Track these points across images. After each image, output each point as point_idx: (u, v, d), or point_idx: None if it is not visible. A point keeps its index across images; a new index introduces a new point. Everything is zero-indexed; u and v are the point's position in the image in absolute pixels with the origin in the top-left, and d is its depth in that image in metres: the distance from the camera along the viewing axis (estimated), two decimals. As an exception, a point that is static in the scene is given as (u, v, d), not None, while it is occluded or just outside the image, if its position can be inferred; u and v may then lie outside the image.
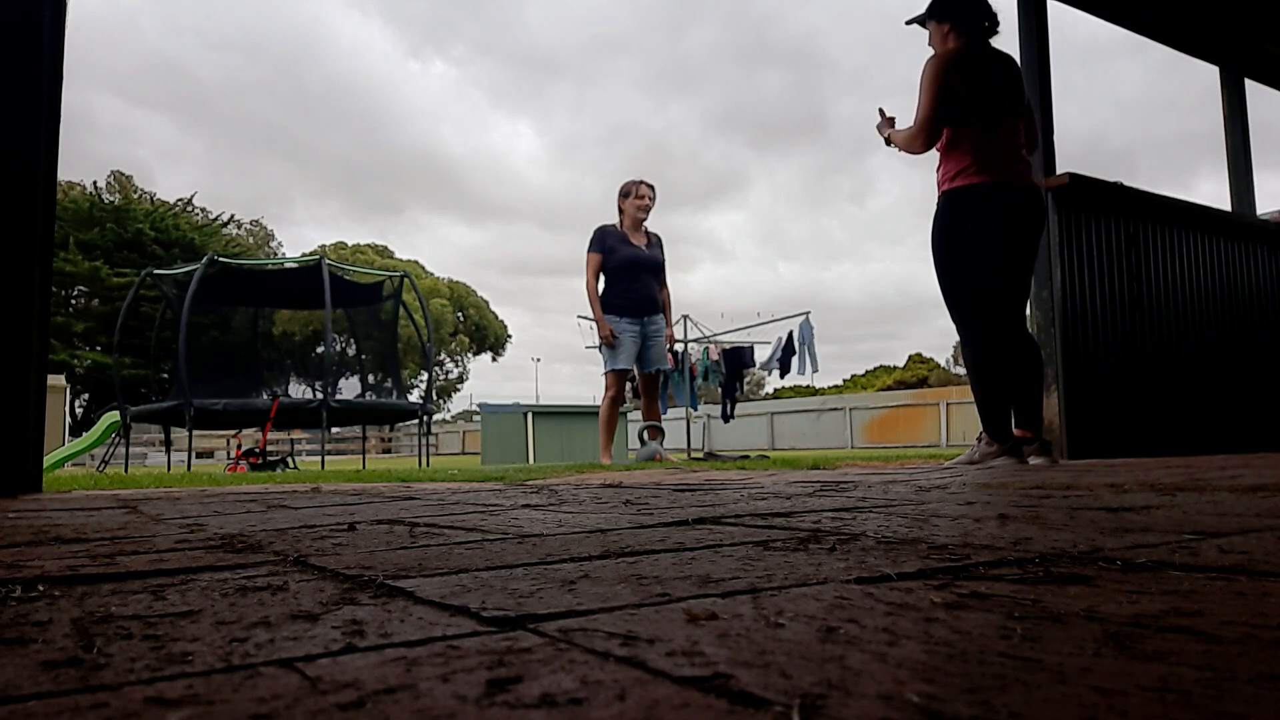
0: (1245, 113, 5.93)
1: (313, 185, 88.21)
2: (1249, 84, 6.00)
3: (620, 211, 5.80)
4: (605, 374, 5.82)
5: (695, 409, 11.77)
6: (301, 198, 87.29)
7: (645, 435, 5.93)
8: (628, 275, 5.69)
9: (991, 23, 3.67)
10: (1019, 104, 3.63)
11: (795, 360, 11.74)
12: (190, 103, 75.60)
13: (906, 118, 3.73)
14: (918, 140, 3.53)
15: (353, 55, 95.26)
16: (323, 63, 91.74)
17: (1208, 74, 5.95)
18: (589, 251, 5.73)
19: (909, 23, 3.82)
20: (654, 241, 5.90)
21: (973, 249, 3.51)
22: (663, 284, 5.94)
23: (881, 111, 3.82)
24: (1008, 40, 4.51)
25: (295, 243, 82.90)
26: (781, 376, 12.08)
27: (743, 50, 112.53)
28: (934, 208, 3.65)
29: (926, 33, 3.77)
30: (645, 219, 5.82)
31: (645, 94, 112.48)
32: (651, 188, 5.84)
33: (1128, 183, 4.65)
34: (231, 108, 79.61)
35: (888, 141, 3.73)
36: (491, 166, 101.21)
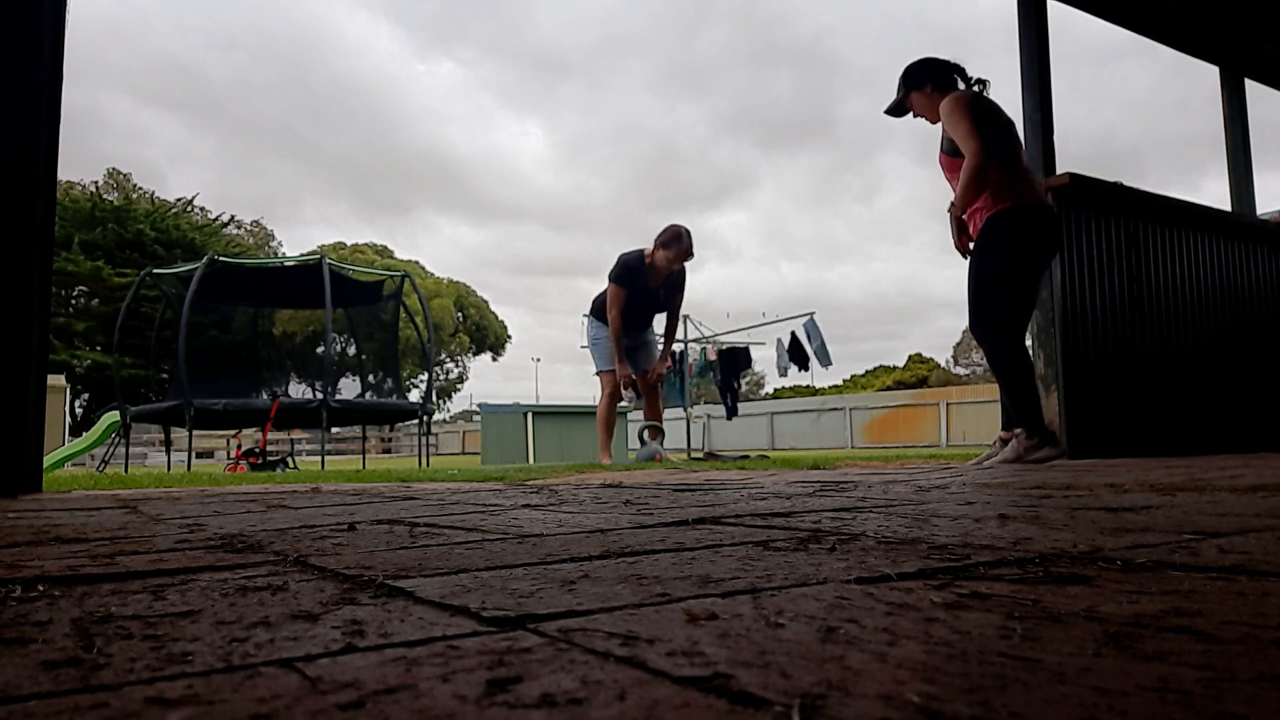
0: (1245, 113, 5.93)
1: (322, 185, 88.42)
2: (1249, 84, 6.00)
3: (655, 248, 5.64)
4: (598, 374, 5.83)
5: (686, 408, 11.79)
6: (311, 198, 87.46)
7: (645, 435, 5.94)
8: (632, 305, 5.68)
9: (963, 73, 3.85)
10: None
11: (807, 357, 11.78)
12: (199, 103, 75.85)
13: (914, 134, 3.82)
14: (977, 160, 3.54)
15: (360, 55, 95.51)
16: (331, 63, 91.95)
17: (1214, 75, 5.95)
18: (615, 283, 5.61)
19: (887, 112, 4.00)
20: (672, 280, 5.79)
21: (1015, 266, 3.69)
22: (672, 312, 5.88)
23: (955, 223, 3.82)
24: (1008, 40, 4.52)
25: (299, 243, 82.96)
26: (804, 369, 12.09)
27: (752, 51, 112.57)
28: (944, 210, 3.75)
29: (909, 113, 3.94)
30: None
31: (654, 95, 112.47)
32: (692, 256, 5.70)
33: (1136, 183, 4.66)
34: (240, 108, 79.87)
35: (961, 213, 3.70)
36: (499, 167, 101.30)
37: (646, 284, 5.68)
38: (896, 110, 3.95)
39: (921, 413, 24.90)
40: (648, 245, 5.70)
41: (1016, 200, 3.64)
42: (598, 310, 5.87)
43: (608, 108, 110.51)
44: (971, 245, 3.74)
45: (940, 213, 3.85)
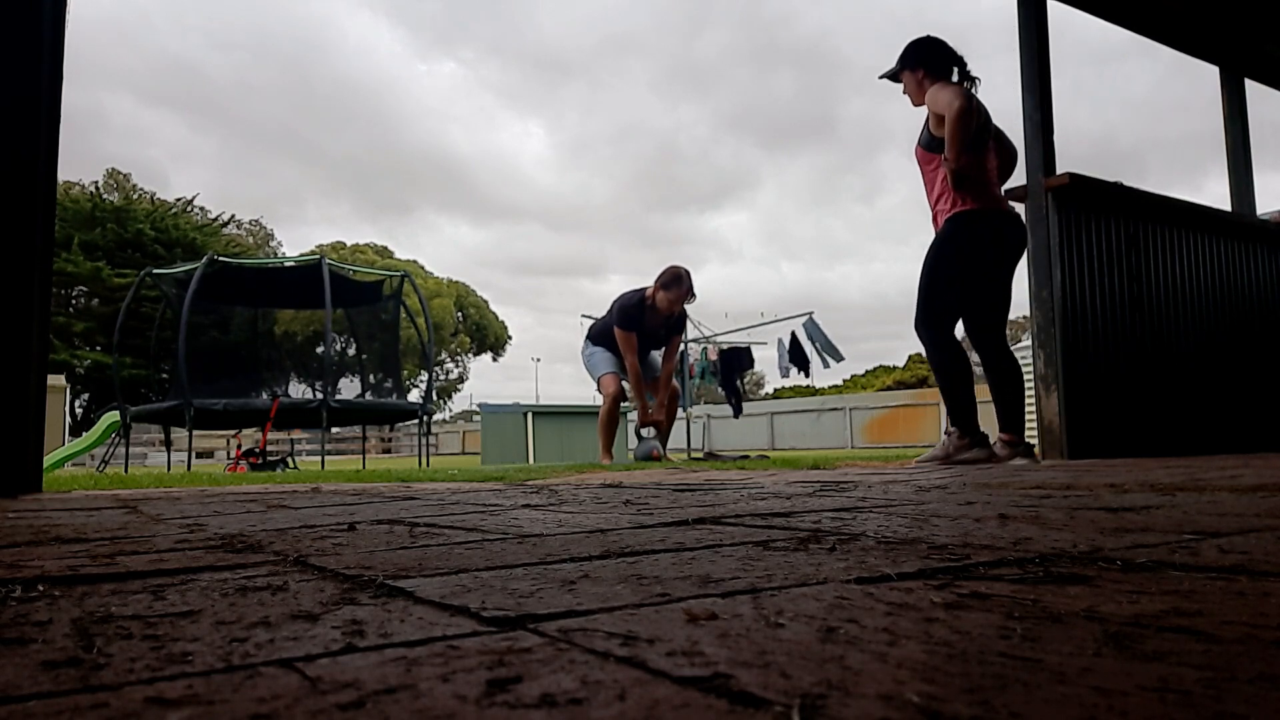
0: (1245, 113, 5.93)
1: (324, 185, 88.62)
2: (1249, 84, 6.00)
3: (655, 289, 5.66)
4: (600, 379, 5.83)
5: (686, 408, 11.80)
6: (313, 197, 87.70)
7: (643, 431, 5.91)
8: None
9: (960, 66, 3.88)
10: (993, 133, 3.90)
11: (811, 357, 11.74)
12: (201, 103, 76.08)
13: (916, 134, 3.84)
14: (961, 104, 3.53)
15: (362, 55, 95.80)
16: (333, 63, 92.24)
17: (1214, 75, 5.95)
18: (622, 329, 5.61)
19: (882, 77, 4.01)
20: (673, 320, 5.81)
21: (970, 268, 3.75)
22: (669, 353, 5.87)
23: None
24: (1008, 40, 4.52)
25: (301, 242, 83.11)
26: (806, 373, 12.06)
27: (754, 51, 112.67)
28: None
29: (901, 85, 3.98)
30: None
31: (656, 94, 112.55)
32: (694, 297, 5.73)
33: (1137, 183, 4.67)
34: (242, 108, 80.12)
35: (959, 160, 3.69)
36: (500, 167, 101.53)
37: (648, 324, 5.69)
38: (893, 78, 3.99)
39: (921, 413, 24.88)
40: (647, 284, 5.72)
41: (978, 205, 3.70)
42: (595, 336, 5.92)
43: (609, 108, 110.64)
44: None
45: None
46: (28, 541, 1.24)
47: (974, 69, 3.88)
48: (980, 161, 3.73)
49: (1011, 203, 4.44)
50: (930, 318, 3.76)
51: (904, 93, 3.95)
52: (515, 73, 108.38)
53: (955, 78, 3.85)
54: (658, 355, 5.95)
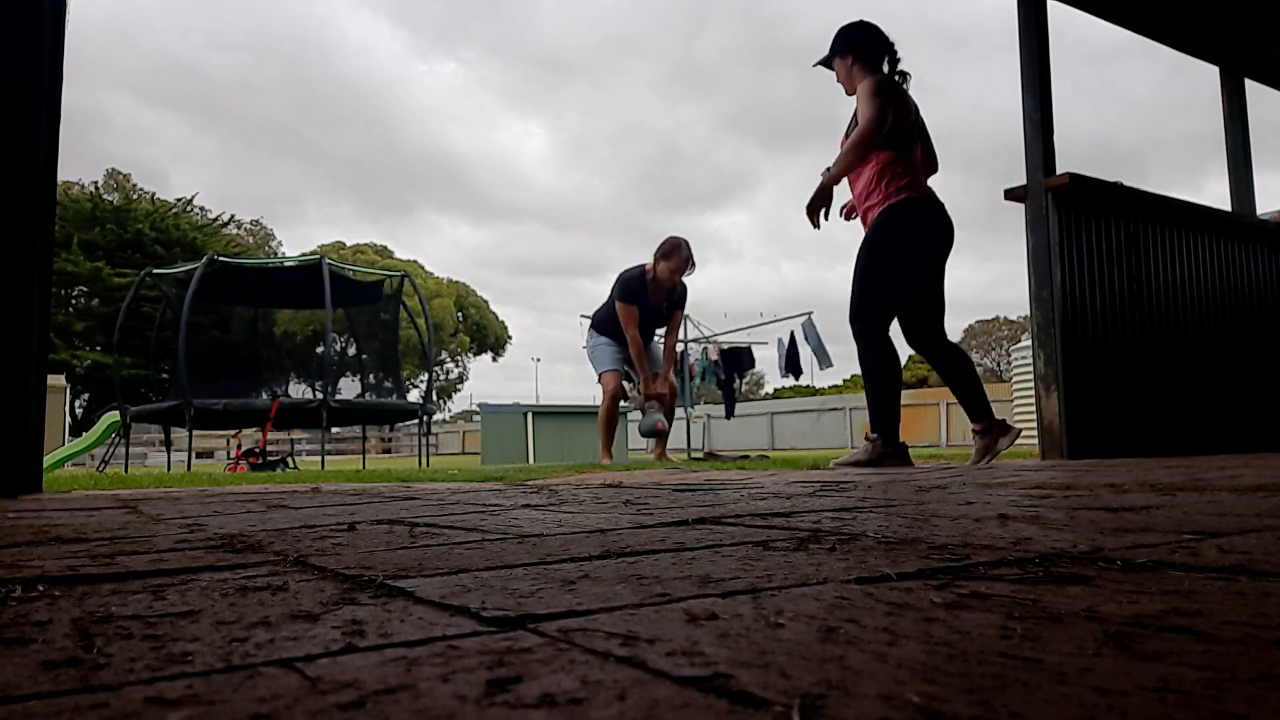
0: (1245, 113, 5.92)
1: (324, 185, 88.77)
2: (1249, 84, 6.00)
3: (655, 261, 5.70)
4: (600, 375, 5.83)
5: (686, 408, 11.83)
6: (314, 197, 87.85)
7: (646, 406, 5.88)
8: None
9: (892, 55, 3.84)
10: (919, 129, 3.87)
11: (804, 360, 11.83)
12: (202, 103, 76.24)
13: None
14: (871, 127, 3.54)
15: (362, 55, 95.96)
16: (333, 63, 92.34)
17: (1214, 75, 5.95)
18: (626, 304, 5.62)
19: (816, 65, 4.01)
20: (675, 294, 5.82)
21: (907, 262, 3.70)
22: (672, 329, 5.87)
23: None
24: (1008, 40, 4.52)
25: (301, 242, 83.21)
26: (796, 377, 12.16)
27: (755, 50, 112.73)
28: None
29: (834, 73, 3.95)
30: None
31: (657, 94, 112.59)
32: (693, 266, 5.74)
33: (1137, 183, 4.66)
34: (243, 108, 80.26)
35: (833, 182, 3.72)
36: (501, 167, 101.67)
37: (649, 299, 5.69)
38: (827, 65, 3.95)
39: (921, 413, 24.88)
40: (647, 260, 5.73)
41: (915, 193, 3.68)
42: (598, 324, 5.91)
43: (610, 108, 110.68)
44: (825, 219, 3.77)
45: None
46: (28, 541, 1.24)
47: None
48: (908, 158, 3.70)
49: (1011, 202, 4.45)
50: (865, 311, 3.70)
51: (837, 80, 3.88)
52: (515, 73, 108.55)
53: (885, 67, 3.80)
54: (659, 349, 5.95)
